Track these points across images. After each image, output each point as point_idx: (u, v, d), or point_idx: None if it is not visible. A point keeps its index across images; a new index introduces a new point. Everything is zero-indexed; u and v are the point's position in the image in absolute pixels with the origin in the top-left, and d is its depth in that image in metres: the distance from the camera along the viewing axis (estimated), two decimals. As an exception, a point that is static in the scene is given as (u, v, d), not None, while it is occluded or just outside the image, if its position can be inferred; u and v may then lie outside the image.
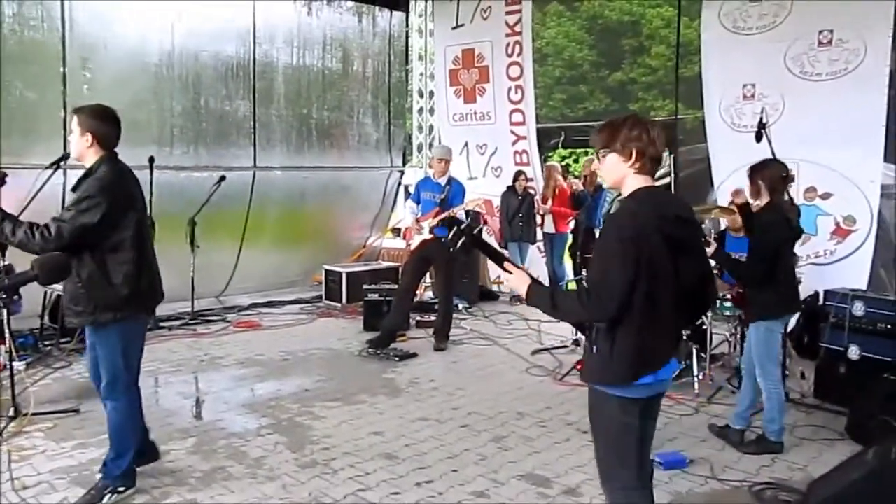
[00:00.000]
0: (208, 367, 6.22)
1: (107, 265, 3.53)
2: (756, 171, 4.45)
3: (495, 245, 9.72)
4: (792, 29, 6.89)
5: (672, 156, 8.70)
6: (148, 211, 3.87)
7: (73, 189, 3.62)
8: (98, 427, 4.61)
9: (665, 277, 2.50)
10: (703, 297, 2.80)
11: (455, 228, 2.86)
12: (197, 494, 3.80)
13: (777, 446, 4.43)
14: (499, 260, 2.77)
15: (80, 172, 3.68)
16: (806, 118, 6.76)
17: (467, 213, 7.29)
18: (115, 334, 3.60)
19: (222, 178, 7.85)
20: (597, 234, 8.34)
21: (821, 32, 6.71)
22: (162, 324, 7.38)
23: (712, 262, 5.15)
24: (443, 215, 6.59)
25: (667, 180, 9.84)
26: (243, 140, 9.00)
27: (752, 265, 4.43)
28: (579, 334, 6.45)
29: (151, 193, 7.20)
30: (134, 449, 3.73)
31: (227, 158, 8.70)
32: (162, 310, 7.44)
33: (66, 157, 4.96)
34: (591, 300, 2.46)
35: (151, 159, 7.31)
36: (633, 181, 2.57)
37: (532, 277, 2.69)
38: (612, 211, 8.59)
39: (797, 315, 6.39)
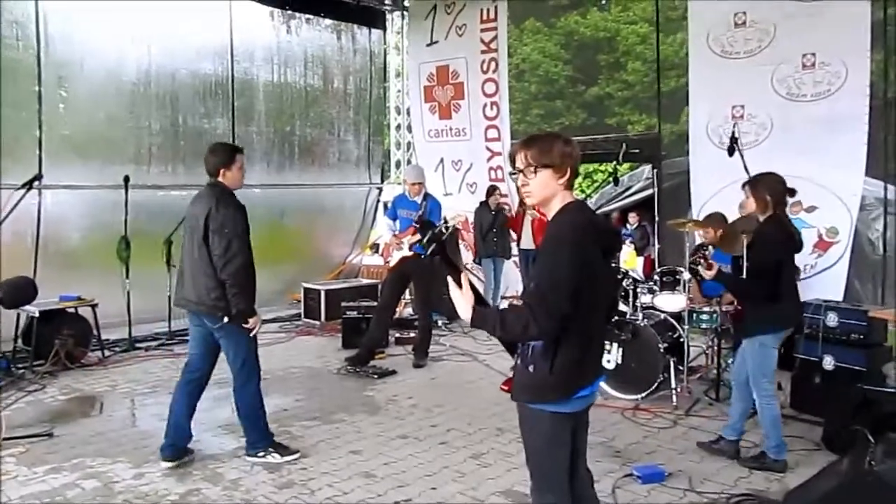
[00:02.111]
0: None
1: None
2: (759, 185, 4.33)
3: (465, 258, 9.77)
4: (776, 53, 7.11)
5: (655, 170, 8.80)
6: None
7: None
8: (71, 450, 4.57)
9: (601, 287, 2.55)
10: (611, 308, 2.87)
11: (430, 233, 2.83)
12: (172, 517, 3.75)
13: (778, 465, 4.32)
14: (453, 269, 2.65)
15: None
16: (793, 136, 6.98)
17: (443, 222, 7.34)
18: None
19: (199, 196, 7.80)
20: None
21: (804, 56, 6.92)
22: (138, 344, 7.31)
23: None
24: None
25: (649, 192, 9.93)
26: (224, 158, 8.96)
27: (757, 282, 4.27)
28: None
29: (127, 213, 7.18)
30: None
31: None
32: (138, 330, 7.45)
33: (39, 177, 4.95)
34: (542, 313, 2.38)
35: (126, 178, 7.28)
36: (563, 196, 2.59)
37: (478, 298, 2.59)
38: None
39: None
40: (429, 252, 2.79)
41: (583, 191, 14.67)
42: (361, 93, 10.79)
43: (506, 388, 2.76)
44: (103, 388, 6.02)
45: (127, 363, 6.79)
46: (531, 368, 2.56)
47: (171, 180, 8.32)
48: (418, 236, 6.71)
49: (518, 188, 2.68)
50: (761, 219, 4.35)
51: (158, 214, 7.97)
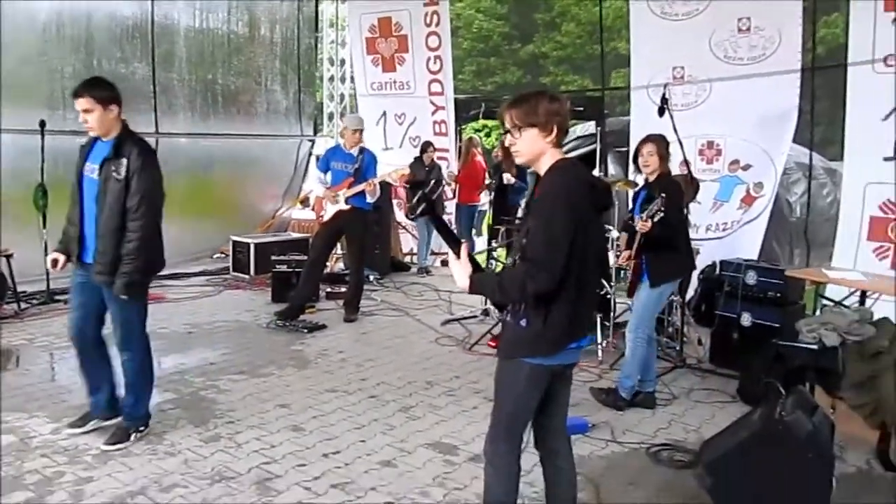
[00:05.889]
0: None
1: None
2: (659, 141, 4.67)
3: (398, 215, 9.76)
4: (714, 16, 7.22)
5: (599, 128, 8.89)
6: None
7: None
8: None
9: (592, 244, 2.57)
10: (602, 263, 2.91)
11: (420, 193, 2.75)
12: (93, 472, 3.64)
13: (622, 403, 4.66)
14: (452, 241, 2.66)
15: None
16: (731, 99, 7.16)
17: (429, 181, 7.76)
18: None
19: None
20: (517, 208, 8.42)
21: (739, 20, 7.05)
22: (57, 297, 7.02)
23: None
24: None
25: (581, 151, 10.05)
26: (143, 105, 8.61)
27: (664, 231, 4.49)
28: (489, 304, 6.55)
29: (43, 159, 6.82)
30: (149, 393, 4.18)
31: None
32: (56, 283, 7.15)
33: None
34: (539, 271, 2.41)
35: (42, 123, 6.89)
36: (551, 155, 2.59)
37: (474, 264, 2.62)
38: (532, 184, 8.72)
39: (694, 283, 6.70)
40: (418, 213, 2.72)
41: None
42: (289, 42, 10.47)
43: (493, 344, 2.76)
44: (20, 342, 5.78)
45: (45, 316, 6.53)
46: (523, 323, 2.55)
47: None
48: (355, 189, 6.61)
49: (507, 146, 2.68)
50: (654, 176, 4.65)
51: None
